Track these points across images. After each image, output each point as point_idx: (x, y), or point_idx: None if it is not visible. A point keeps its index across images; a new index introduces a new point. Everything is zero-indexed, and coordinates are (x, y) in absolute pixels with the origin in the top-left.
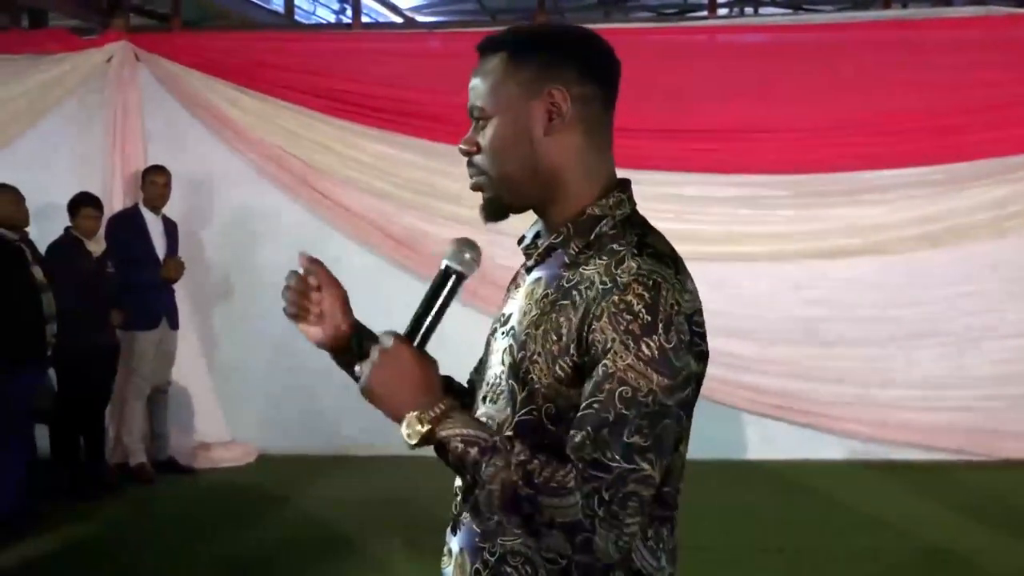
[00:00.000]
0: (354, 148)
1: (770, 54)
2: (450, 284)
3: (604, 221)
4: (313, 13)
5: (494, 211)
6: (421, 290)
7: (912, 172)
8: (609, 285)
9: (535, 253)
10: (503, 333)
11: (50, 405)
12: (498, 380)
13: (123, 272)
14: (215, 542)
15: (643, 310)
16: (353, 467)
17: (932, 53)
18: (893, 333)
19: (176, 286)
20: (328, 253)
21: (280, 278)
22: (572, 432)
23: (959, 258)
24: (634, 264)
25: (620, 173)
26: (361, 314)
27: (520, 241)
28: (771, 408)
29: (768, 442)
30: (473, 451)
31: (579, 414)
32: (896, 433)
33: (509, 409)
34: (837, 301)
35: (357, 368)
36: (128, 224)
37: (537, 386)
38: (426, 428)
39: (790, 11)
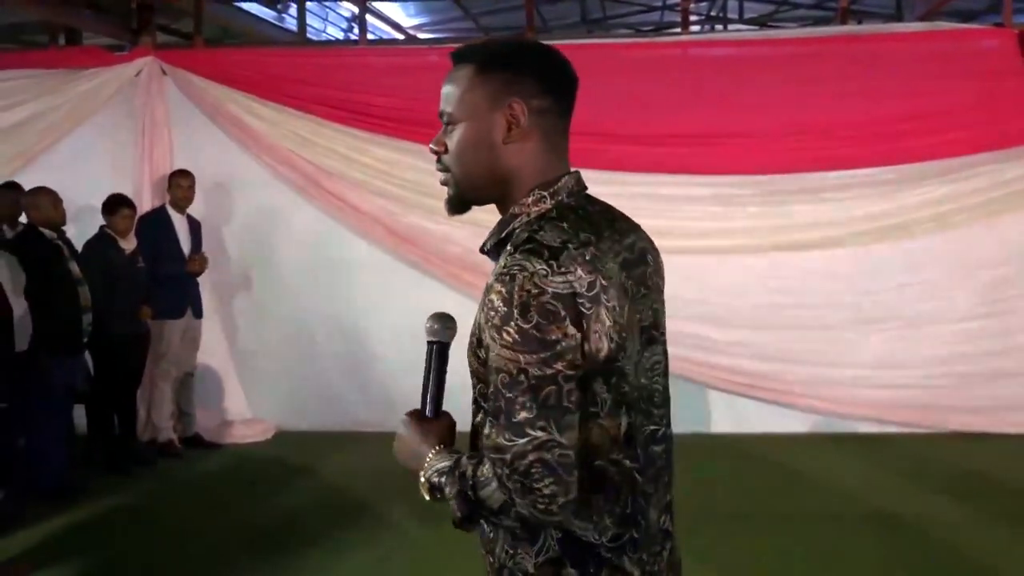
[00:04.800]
0: (361, 153)
1: (738, 66)
2: (437, 354)
3: (519, 219)
4: (323, 31)
5: (456, 205)
6: (423, 282)
7: (865, 173)
8: (488, 287)
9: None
10: None
11: (87, 388)
12: None
13: (151, 266)
14: (239, 510)
15: (500, 303)
16: (365, 442)
17: (883, 65)
18: (849, 318)
19: (200, 279)
20: (337, 249)
21: (294, 271)
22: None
23: (908, 250)
24: (503, 262)
25: (603, 175)
26: (368, 302)
27: None
28: (740, 386)
29: (737, 417)
30: (441, 479)
31: None
32: (852, 408)
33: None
34: (799, 289)
35: None
36: (156, 223)
37: (473, 368)
38: (422, 479)
39: (757, 28)
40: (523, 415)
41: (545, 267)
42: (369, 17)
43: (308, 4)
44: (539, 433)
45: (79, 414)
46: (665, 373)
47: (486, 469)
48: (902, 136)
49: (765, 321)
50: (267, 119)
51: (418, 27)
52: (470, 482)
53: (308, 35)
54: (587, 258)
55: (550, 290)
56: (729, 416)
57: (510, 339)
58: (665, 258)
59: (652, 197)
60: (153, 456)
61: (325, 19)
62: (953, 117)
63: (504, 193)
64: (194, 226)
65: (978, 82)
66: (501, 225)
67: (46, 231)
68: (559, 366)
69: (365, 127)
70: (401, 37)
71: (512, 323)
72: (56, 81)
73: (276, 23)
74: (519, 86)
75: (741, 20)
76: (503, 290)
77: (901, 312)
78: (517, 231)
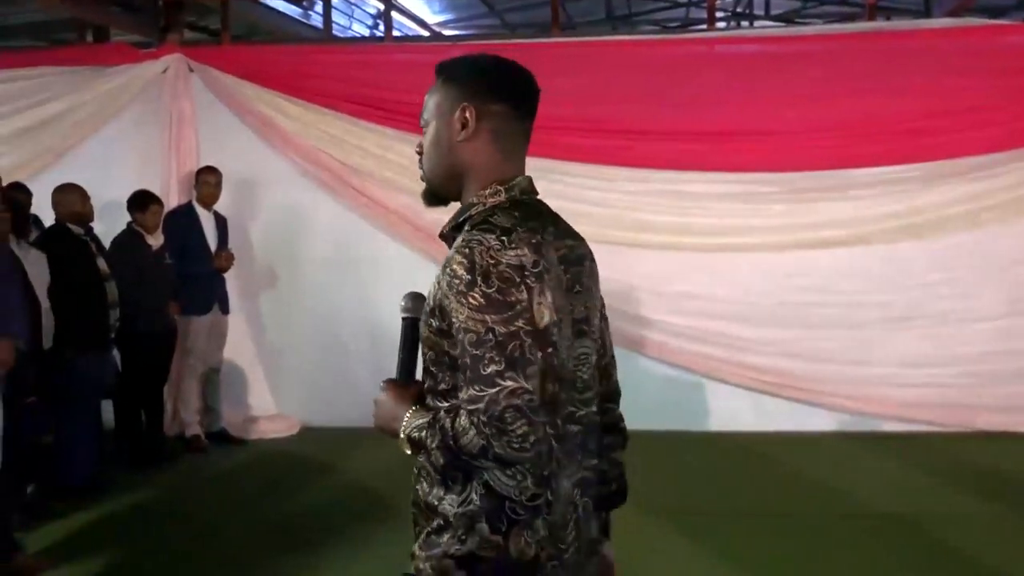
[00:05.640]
0: (386, 150)
1: (764, 63)
2: (410, 328)
3: (475, 207)
4: (349, 28)
5: (429, 198)
6: None
7: (893, 170)
8: (447, 260)
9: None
10: None
11: (114, 383)
12: None
13: (178, 263)
14: (264, 505)
15: (463, 272)
16: (390, 439)
17: (911, 61)
18: (875, 316)
19: (226, 275)
20: (363, 246)
21: (320, 268)
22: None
23: (936, 248)
24: (463, 240)
25: (629, 172)
26: (393, 299)
27: None
28: (766, 385)
29: (764, 416)
30: (422, 433)
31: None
32: (879, 407)
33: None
34: (825, 288)
35: None
36: (183, 219)
37: (424, 336)
38: (401, 435)
39: (783, 24)
40: (492, 368)
41: (498, 242)
42: (394, 14)
43: (334, 1)
44: (508, 382)
45: (106, 409)
46: (594, 365)
47: (463, 420)
48: (930, 133)
49: (791, 319)
50: (293, 116)
51: (443, 24)
52: (450, 433)
53: (334, 32)
54: (533, 241)
55: (504, 260)
56: (756, 414)
57: (475, 303)
58: (690, 255)
59: (678, 194)
60: (179, 451)
61: (351, 16)
62: (981, 114)
63: (462, 187)
64: (220, 223)
65: (1007, 79)
66: (459, 213)
67: (74, 227)
68: (520, 323)
69: (391, 124)
70: (426, 33)
71: (476, 288)
72: (84, 78)
73: (302, 20)
74: (473, 93)
75: (767, 16)
76: (464, 260)
77: (928, 310)
78: (473, 216)
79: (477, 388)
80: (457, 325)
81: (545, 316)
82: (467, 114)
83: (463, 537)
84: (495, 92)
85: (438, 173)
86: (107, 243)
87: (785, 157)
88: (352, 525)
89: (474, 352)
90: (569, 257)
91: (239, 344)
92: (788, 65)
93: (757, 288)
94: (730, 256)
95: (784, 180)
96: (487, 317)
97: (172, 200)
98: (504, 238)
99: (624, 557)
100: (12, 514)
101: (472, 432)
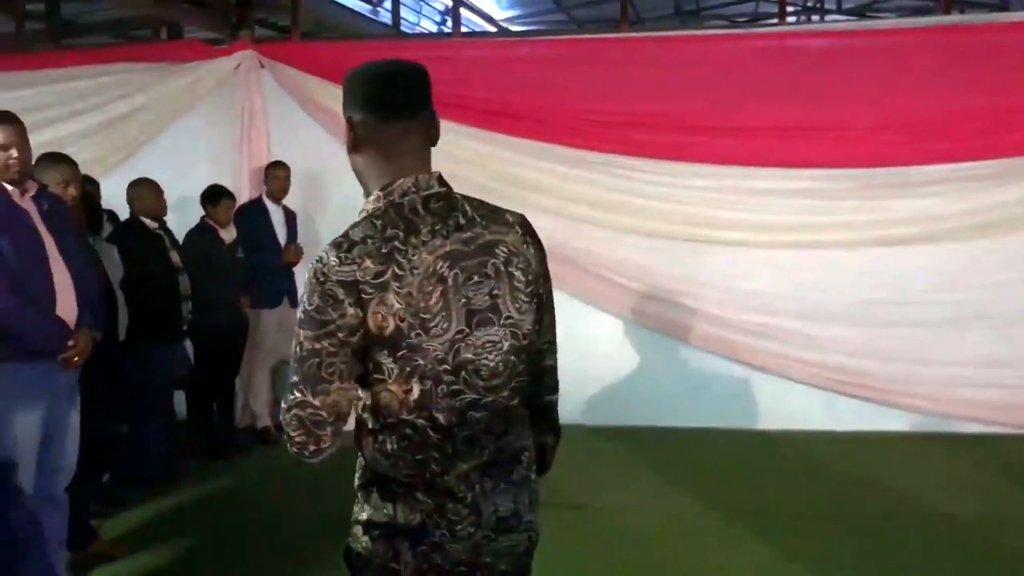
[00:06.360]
0: (454, 146)
1: (835, 57)
2: None
3: (360, 214)
4: (417, 24)
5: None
6: None
7: (966, 166)
8: None
9: None
10: None
11: (187, 375)
12: None
13: (248, 257)
14: (333, 497)
15: (302, 288)
16: None
17: (985, 55)
18: (947, 316)
19: (295, 269)
20: None
21: None
22: None
23: (1008, 246)
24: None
25: (697, 168)
26: None
27: None
28: (836, 383)
29: (834, 415)
30: None
31: None
32: (951, 408)
33: None
34: (897, 286)
35: None
36: (253, 214)
37: None
38: None
39: (855, 18)
40: (293, 378)
41: (336, 258)
42: (462, 10)
43: None
44: (298, 395)
45: (178, 401)
46: (506, 351)
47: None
48: (1005, 129)
49: (861, 317)
50: None
51: (511, 19)
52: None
53: (402, 28)
54: (383, 251)
55: (334, 278)
56: (827, 414)
57: (299, 318)
58: (760, 252)
59: (747, 191)
60: (251, 443)
61: (419, 12)
62: None
63: (366, 193)
64: (290, 217)
65: None
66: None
67: (148, 221)
68: (325, 343)
69: (459, 120)
70: (494, 29)
71: (301, 305)
72: (159, 74)
73: (371, 16)
74: (347, 106)
75: (839, 11)
76: (307, 276)
77: (1001, 310)
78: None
79: (287, 394)
80: None
81: (390, 324)
82: (347, 126)
83: (363, 505)
84: (355, 103)
85: (358, 179)
86: (180, 237)
87: (856, 153)
88: None
89: (292, 362)
90: (460, 252)
91: None
92: (859, 60)
93: (829, 286)
94: (801, 253)
95: (855, 176)
96: (301, 332)
97: (243, 195)
98: (343, 254)
99: (695, 557)
100: (88, 502)
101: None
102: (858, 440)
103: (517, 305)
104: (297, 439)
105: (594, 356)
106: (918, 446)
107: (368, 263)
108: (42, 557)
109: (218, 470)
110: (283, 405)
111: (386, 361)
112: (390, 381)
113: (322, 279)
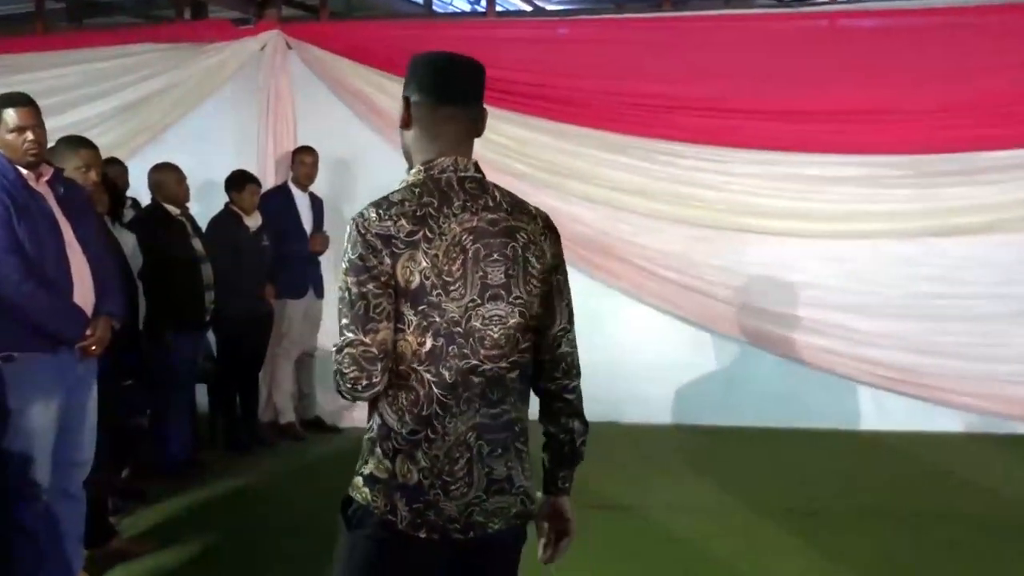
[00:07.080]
0: (491, 131)
1: (889, 38)
2: None
3: (401, 183)
4: (450, 3)
5: None
6: None
7: None
8: None
9: None
10: None
11: (209, 366)
12: None
13: (273, 245)
14: None
15: (345, 239)
16: None
17: None
18: (1005, 310)
19: (322, 258)
20: None
21: None
22: None
23: None
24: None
25: (745, 154)
26: None
27: None
28: (888, 381)
29: (885, 414)
30: None
31: None
32: (1008, 407)
33: None
34: (952, 278)
35: None
36: (278, 200)
37: None
38: None
39: None
40: (344, 321)
41: (375, 214)
42: None
43: None
44: (349, 335)
45: (200, 394)
46: (512, 328)
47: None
48: None
49: (915, 311)
50: (393, 94)
51: None
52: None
53: (434, 8)
54: (418, 214)
55: (374, 230)
56: (877, 412)
57: (344, 266)
58: (809, 242)
59: (796, 178)
60: (274, 437)
61: None
62: None
63: (409, 168)
64: (316, 204)
65: None
66: None
67: (170, 207)
68: (371, 286)
69: (495, 103)
70: (529, 8)
71: (345, 255)
72: (182, 55)
73: None
74: (406, 87)
75: None
76: (348, 229)
77: None
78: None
79: (338, 336)
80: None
81: (415, 279)
82: (403, 105)
83: (367, 459)
84: (416, 84)
85: (404, 154)
86: (204, 224)
87: (911, 138)
88: None
89: (339, 307)
90: (483, 230)
91: (334, 329)
92: (915, 40)
93: (879, 278)
94: (851, 244)
95: (910, 163)
96: (348, 279)
97: (269, 180)
98: (382, 211)
99: (745, 556)
100: (107, 499)
101: (333, 369)
102: (909, 439)
103: (528, 288)
104: (351, 375)
105: (632, 350)
106: (972, 446)
107: (403, 222)
108: (59, 554)
109: (240, 465)
110: (334, 347)
111: (408, 312)
112: (408, 331)
113: (363, 231)
